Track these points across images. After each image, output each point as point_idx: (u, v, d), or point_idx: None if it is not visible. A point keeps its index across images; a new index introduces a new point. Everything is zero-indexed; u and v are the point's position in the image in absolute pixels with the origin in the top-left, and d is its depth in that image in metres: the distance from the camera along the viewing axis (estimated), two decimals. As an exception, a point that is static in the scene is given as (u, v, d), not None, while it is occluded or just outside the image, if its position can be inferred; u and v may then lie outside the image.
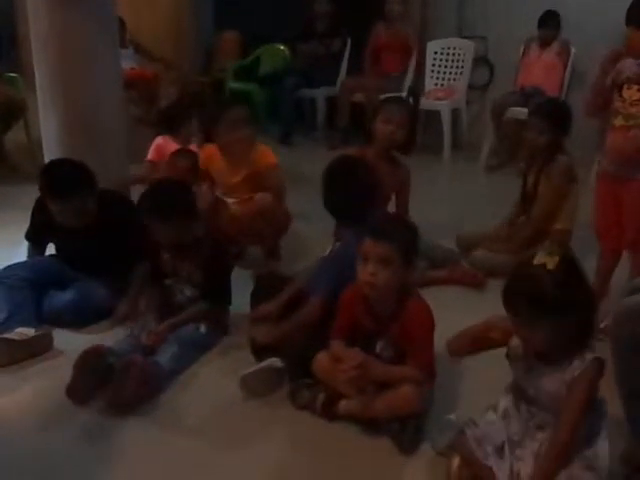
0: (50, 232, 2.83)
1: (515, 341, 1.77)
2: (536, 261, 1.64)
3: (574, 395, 1.65)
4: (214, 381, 2.35)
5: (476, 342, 2.05)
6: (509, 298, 1.66)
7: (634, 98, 2.51)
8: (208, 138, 3.35)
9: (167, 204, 2.48)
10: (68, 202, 2.65)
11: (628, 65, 2.53)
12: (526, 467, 1.70)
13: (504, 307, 1.68)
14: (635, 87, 2.51)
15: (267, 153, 3.24)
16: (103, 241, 2.70)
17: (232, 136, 3.15)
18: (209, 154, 3.31)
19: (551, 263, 1.62)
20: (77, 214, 2.68)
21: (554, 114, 3.16)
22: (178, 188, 2.58)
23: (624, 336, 1.71)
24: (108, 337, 2.51)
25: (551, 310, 1.61)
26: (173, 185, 2.62)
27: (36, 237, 2.90)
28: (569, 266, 1.66)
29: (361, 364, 1.96)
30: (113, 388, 2.15)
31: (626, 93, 2.52)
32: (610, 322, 1.72)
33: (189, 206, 2.54)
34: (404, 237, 2.01)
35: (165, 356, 2.34)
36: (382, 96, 4.23)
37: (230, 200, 3.25)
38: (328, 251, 2.48)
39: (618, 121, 2.55)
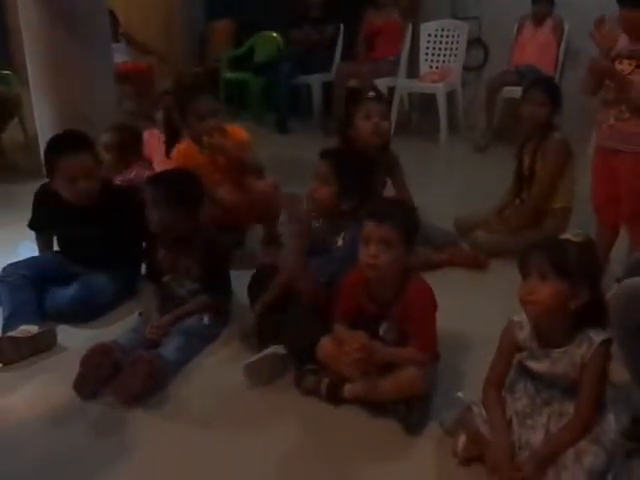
0: (52, 222, 2.84)
1: (523, 334, 1.79)
2: (562, 236, 1.74)
3: (588, 381, 1.69)
4: (218, 371, 2.36)
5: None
6: (530, 258, 1.71)
7: (626, 72, 2.50)
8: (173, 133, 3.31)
9: (174, 189, 2.49)
10: (78, 157, 2.64)
11: (620, 40, 2.53)
12: (537, 435, 1.72)
13: (520, 270, 1.74)
14: (626, 62, 2.50)
15: (238, 132, 3.20)
16: (104, 231, 2.70)
17: (200, 128, 3.10)
18: (184, 151, 3.20)
19: (576, 238, 1.71)
20: (86, 182, 2.66)
21: (551, 87, 3.20)
22: (185, 175, 2.61)
23: (623, 319, 1.71)
24: (111, 331, 2.51)
25: (568, 272, 1.66)
26: (180, 172, 2.66)
27: (40, 225, 2.91)
28: (589, 248, 1.74)
29: (365, 346, 1.96)
30: (120, 383, 2.15)
31: (617, 67, 2.52)
32: (610, 304, 1.73)
33: (187, 193, 2.55)
34: (405, 219, 2.01)
35: (170, 348, 2.34)
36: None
37: (220, 191, 3.22)
38: (340, 241, 2.44)
39: (610, 96, 2.54)
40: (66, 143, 2.70)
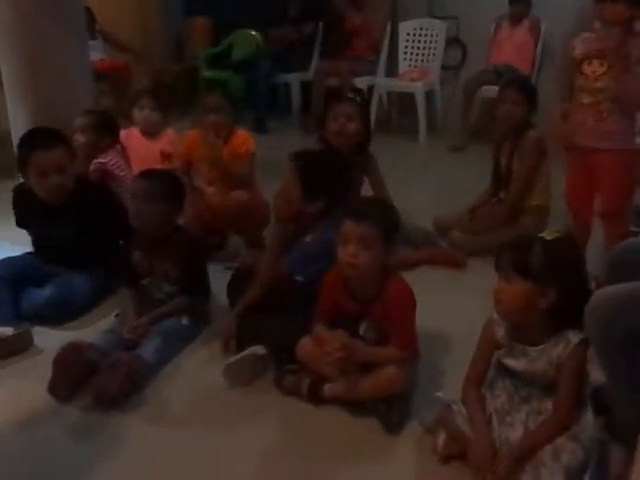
0: (29, 219, 2.80)
1: (502, 331, 1.80)
2: (540, 234, 1.73)
3: (566, 380, 1.70)
4: (198, 371, 2.35)
5: None
6: (499, 257, 1.73)
7: (598, 73, 2.51)
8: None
9: (166, 186, 2.50)
10: (50, 152, 2.61)
11: (582, 40, 2.53)
12: (515, 432, 1.74)
13: (495, 268, 1.75)
14: (596, 62, 2.51)
15: (249, 140, 3.23)
16: (80, 230, 2.67)
17: (205, 121, 3.15)
18: (192, 140, 3.28)
19: (549, 236, 1.70)
20: (58, 177, 2.62)
21: (526, 87, 3.24)
22: (173, 175, 2.64)
23: (601, 331, 1.68)
24: (89, 333, 2.48)
25: (530, 273, 1.66)
26: (169, 171, 2.70)
27: (24, 224, 2.87)
28: (565, 244, 1.73)
29: (345, 345, 1.96)
30: (99, 384, 2.13)
31: (587, 69, 2.53)
32: (586, 315, 1.70)
33: (177, 193, 2.56)
34: (384, 218, 2.01)
35: (149, 350, 2.32)
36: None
37: (210, 189, 3.24)
38: (309, 238, 2.46)
39: (586, 98, 2.56)
40: (38, 138, 2.67)
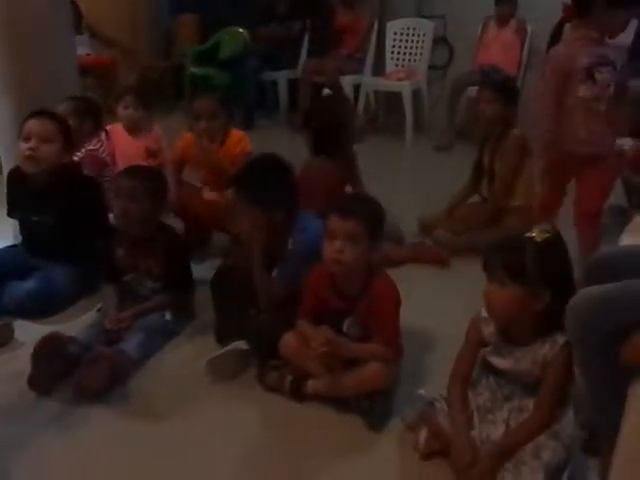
0: (17, 205, 2.79)
1: (489, 329, 1.80)
2: (527, 234, 1.69)
3: (550, 379, 1.70)
4: (181, 366, 2.34)
5: None
6: (489, 259, 1.71)
7: (609, 81, 2.52)
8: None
9: (141, 184, 2.47)
10: (40, 120, 2.62)
11: (582, 52, 2.50)
12: (497, 430, 1.74)
13: (483, 269, 1.73)
14: (604, 69, 2.51)
15: (244, 140, 3.20)
16: (62, 218, 2.66)
17: (196, 127, 3.13)
18: (186, 143, 3.27)
19: (539, 237, 1.67)
20: (41, 143, 2.60)
21: (502, 86, 3.26)
22: (152, 172, 2.63)
23: (582, 332, 1.65)
24: (70, 327, 2.45)
25: (524, 277, 1.64)
26: (147, 168, 2.69)
27: (13, 211, 2.86)
28: (555, 245, 1.70)
29: (330, 340, 1.96)
30: (80, 378, 2.12)
31: (600, 77, 2.51)
32: (567, 316, 1.68)
33: (161, 191, 2.55)
34: (371, 214, 2.01)
35: (131, 344, 2.31)
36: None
37: (206, 189, 3.23)
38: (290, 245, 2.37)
39: (602, 106, 2.55)
40: (38, 111, 2.68)
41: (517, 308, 1.69)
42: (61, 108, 3.06)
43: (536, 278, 1.65)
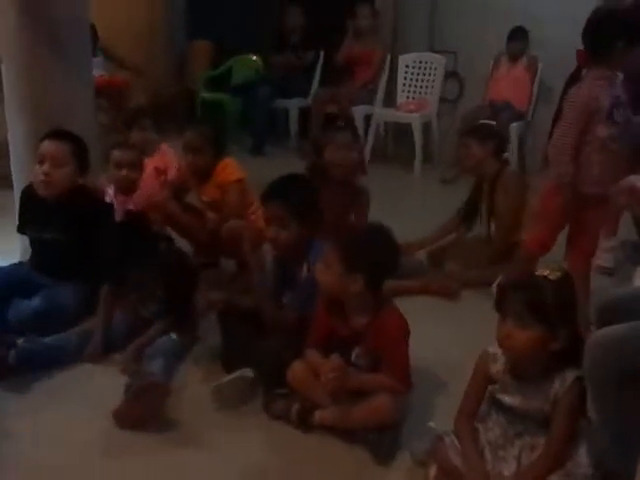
0: (28, 221, 2.80)
1: (497, 367, 1.78)
2: (539, 273, 1.70)
3: (561, 416, 1.68)
4: (186, 391, 2.30)
5: None
6: (506, 298, 1.69)
7: (624, 120, 2.54)
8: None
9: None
10: (53, 142, 2.64)
11: (604, 92, 2.52)
12: (509, 467, 1.72)
13: (496, 308, 1.71)
14: (622, 108, 2.54)
15: (228, 168, 3.14)
16: (72, 237, 2.66)
17: (185, 159, 3.16)
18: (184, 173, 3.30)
19: (553, 275, 1.68)
20: (51, 167, 2.61)
21: (479, 133, 3.35)
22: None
23: (598, 371, 1.68)
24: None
25: (546, 316, 1.64)
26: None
27: (23, 228, 2.86)
28: (569, 283, 1.72)
29: (340, 366, 1.94)
30: (126, 405, 2.09)
31: (618, 116, 2.53)
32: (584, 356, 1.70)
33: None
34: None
35: (157, 370, 2.25)
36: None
37: (210, 215, 3.22)
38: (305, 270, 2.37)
39: (615, 144, 2.55)
40: (53, 132, 2.69)
41: (536, 348, 1.67)
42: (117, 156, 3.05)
43: (556, 317, 1.65)
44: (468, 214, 3.38)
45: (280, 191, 2.36)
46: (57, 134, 2.69)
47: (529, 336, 1.65)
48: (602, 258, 3.33)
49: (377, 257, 2.01)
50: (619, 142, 2.58)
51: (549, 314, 1.64)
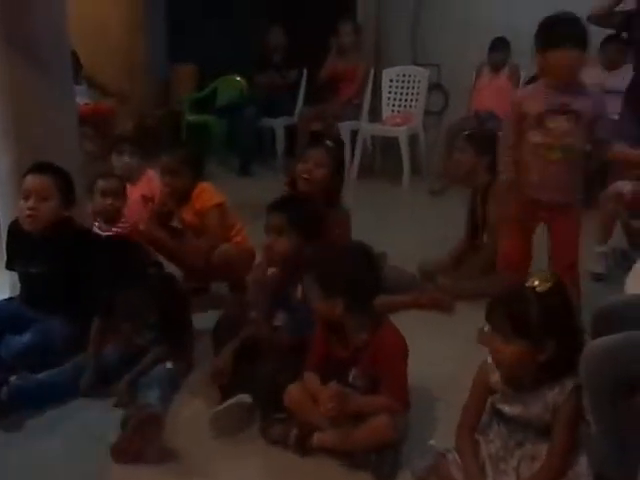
0: (16, 256, 2.76)
1: (496, 377, 1.77)
2: (529, 283, 1.67)
3: (561, 424, 1.67)
4: (183, 419, 2.28)
5: None
6: (493, 311, 1.69)
7: (565, 128, 2.48)
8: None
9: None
10: (37, 176, 2.61)
11: (540, 98, 2.49)
12: (509, 479, 1.71)
13: (486, 318, 1.70)
14: (561, 117, 2.48)
15: (205, 194, 3.10)
16: (61, 271, 2.63)
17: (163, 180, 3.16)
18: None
19: (541, 287, 1.65)
20: (36, 201, 2.58)
21: (472, 138, 3.39)
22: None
23: (595, 381, 1.68)
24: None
25: (528, 331, 1.63)
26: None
27: (11, 263, 2.82)
28: (558, 293, 1.69)
29: (339, 392, 1.92)
30: (124, 439, 2.05)
31: (552, 124, 2.49)
32: (580, 366, 1.69)
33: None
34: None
35: (153, 400, 2.22)
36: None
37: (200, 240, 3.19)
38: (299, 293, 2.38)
39: (555, 154, 2.52)
40: (37, 165, 2.66)
41: (522, 362, 1.67)
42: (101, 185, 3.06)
43: (540, 330, 1.63)
44: (470, 227, 3.37)
45: (283, 204, 2.46)
46: (40, 168, 2.66)
47: (512, 351, 1.65)
48: (593, 264, 3.33)
49: (354, 279, 1.99)
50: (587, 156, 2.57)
51: (532, 328, 1.63)
